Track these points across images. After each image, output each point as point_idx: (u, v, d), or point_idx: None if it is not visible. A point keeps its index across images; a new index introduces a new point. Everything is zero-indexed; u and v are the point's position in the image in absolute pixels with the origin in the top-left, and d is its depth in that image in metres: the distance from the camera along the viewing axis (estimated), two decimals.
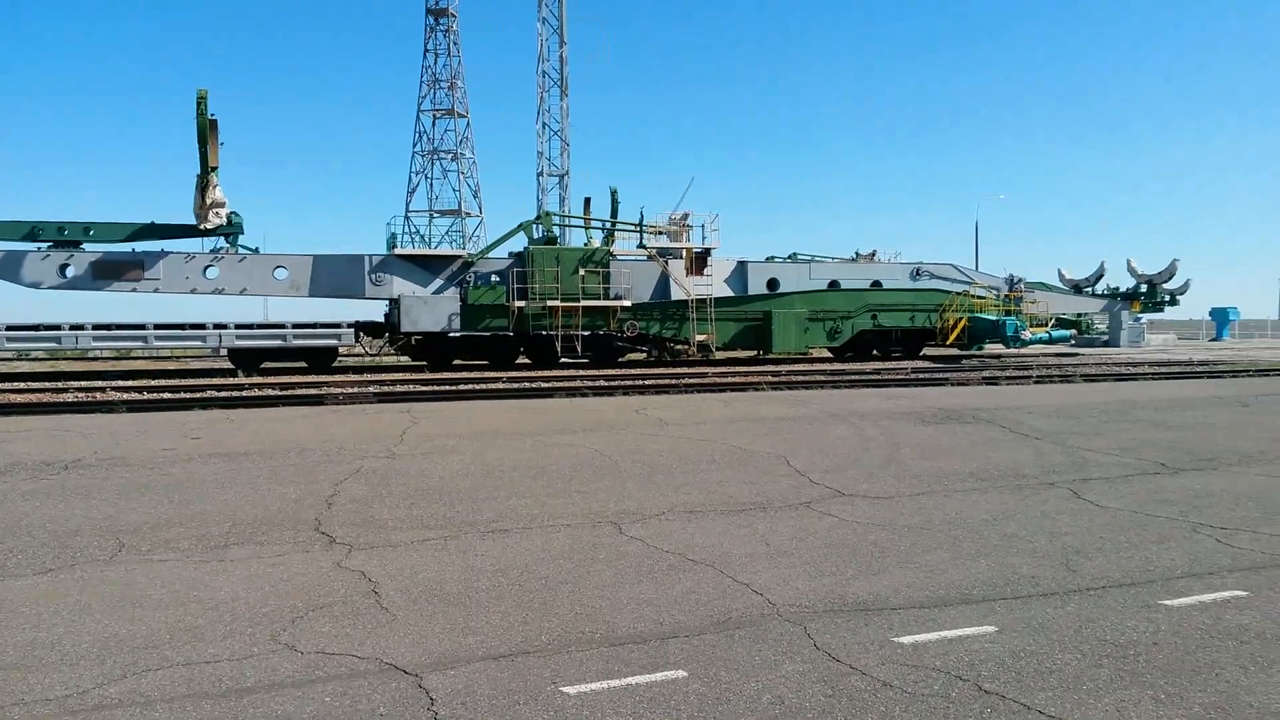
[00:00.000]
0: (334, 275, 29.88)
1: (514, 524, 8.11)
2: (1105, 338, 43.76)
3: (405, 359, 33.13)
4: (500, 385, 22.28)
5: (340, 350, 30.93)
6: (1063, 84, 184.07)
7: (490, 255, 31.78)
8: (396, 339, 31.12)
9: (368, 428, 14.58)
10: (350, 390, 20.15)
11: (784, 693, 4.46)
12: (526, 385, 22.19)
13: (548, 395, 20.43)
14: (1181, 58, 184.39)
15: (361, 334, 30.63)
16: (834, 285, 34.66)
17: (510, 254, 32.28)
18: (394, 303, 30.47)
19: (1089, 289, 42.17)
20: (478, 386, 21.86)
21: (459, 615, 5.66)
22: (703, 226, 33.33)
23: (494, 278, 30.99)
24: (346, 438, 13.41)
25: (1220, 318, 59.85)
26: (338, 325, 29.17)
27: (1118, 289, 42.33)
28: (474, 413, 16.84)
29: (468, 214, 64.62)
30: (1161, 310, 42.77)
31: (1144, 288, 41.82)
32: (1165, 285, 41.56)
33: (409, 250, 31.36)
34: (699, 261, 32.79)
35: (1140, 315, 43.32)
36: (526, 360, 32.44)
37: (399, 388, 21.48)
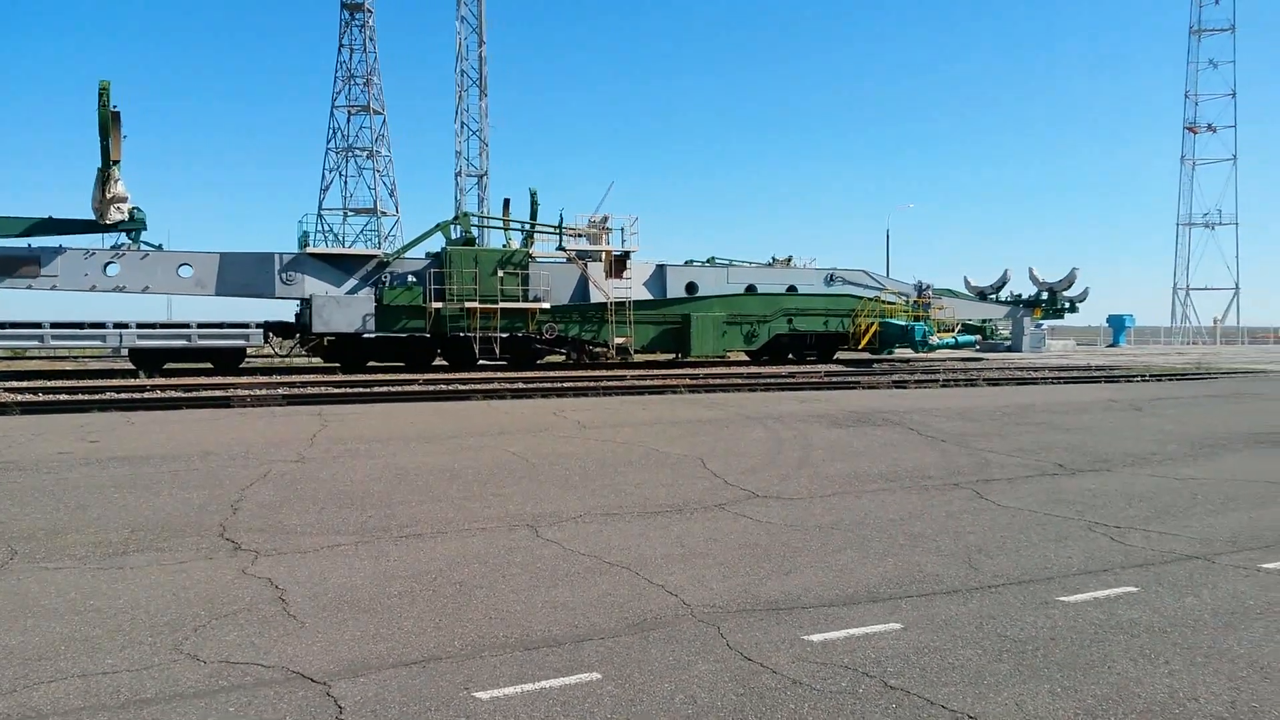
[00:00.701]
0: (242, 274, 29.05)
1: (428, 528, 8.01)
2: (1008, 343, 45.32)
3: (317, 361, 32.43)
4: (416, 387, 21.97)
5: (248, 351, 30.08)
6: (966, 95, 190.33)
7: (407, 255, 31.33)
8: (308, 340, 30.41)
9: (276, 431, 14.22)
10: (258, 392, 19.62)
11: (696, 692, 4.51)
12: (443, 387, 21.93)
13: (465, 398, 20.24)
14: (1079, 72, 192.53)
15: (271, 334, 29.85)
16: (751, 289, 35.13)
17: (427, 254, 31.88)
18: (305, 303, 29.78)
19: (993, 296, 43.63)
20: (393, 389, 21.50)
21: (370, 622, 5.56)
22: (622, 230, 33.49)
23: (410, 278, 30.55)
24: (254, 441, 13.06)
25: (1117, 324, 62.50)
26: (246, 325, 28.36)
27: (1020, 296, 43.89)
28: (388, 415, 16.57)
29: (383, 213, 63.63)
30: (1061, 317, 44.53)
31: (1045, 295, 43.45)
32: (1065, 293, 43.26)
33: (322, 249, 30.74)
34: (618, 264, 32.88)
35: (1041, 321, 44.99)
36: (443, 362, 32.05)
37: (310, 390, 20.98)
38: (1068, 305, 43.44)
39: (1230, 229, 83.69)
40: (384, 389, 21.38)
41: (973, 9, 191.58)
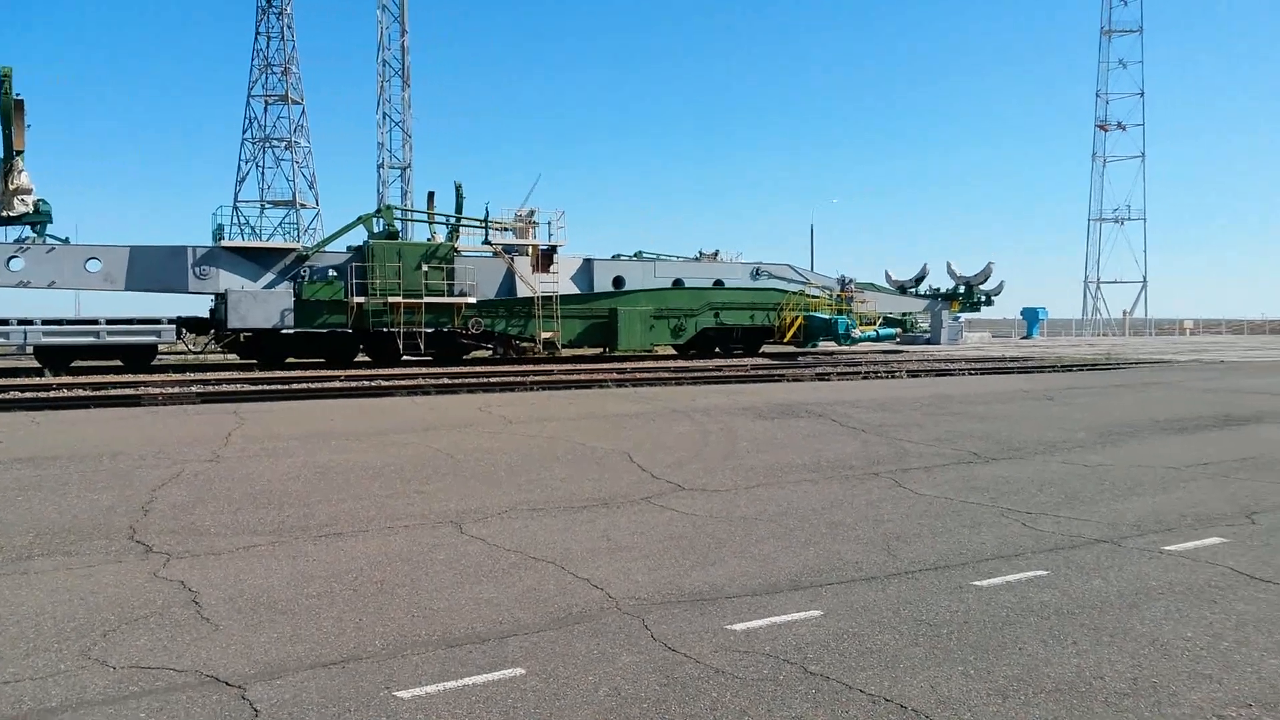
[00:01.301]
0: (153, 268, 28.16)
1: (349, 527, 7.87)
2: (927, 335, 46.42)
3: (233, 357, 31.61)
4: (337, 384, 21.56)
5: (160, 348, 29.16)
6: (886, 90, 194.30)
7: (327, 249, 30.71)
8: (223, 336, 29.64)
9: (190, 430, 13.81)
10: (171, 390, 19.04)
11: (620, 684, 4.52)
12: (366, 384, 21.57)
13: (388, 394, 19.93)
14: (995, 68, 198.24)
15: (184, 330, 29.00)
16: (678, 284, 35.32)
17: (349, 248, 31.26)
18: (220, 297, 28.97)
19: (913, 289, 44.65)
20: (312, 385, 21.07)
21: (287, 623, 5.44)
22: (549, 223, 33.36)
23: (331, 272, 29.95)
24: (166, 440, 12.66)
25: (1031, 317, 64.47)
26: (157, 321, 27.48)
27: (939, 290, 45.01)
28: (308, 412, 16.23)
29: (303, 205, 62.22)
30: (978, 310, 45.84)
31: (962, 289, 44.64)
32: (981, 286, 44.50)
33: (237, 242, 29.93)
34: (545, 259, 32.73)
35: (959, 314, 46.24)
36: (366, 358, 31.52)
37: (225, 387, 20.46)
38: (984, 298, 44.70)
39: (1139, 224, 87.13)
40: (303, 385, 20.95)
41: (892, 5, 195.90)
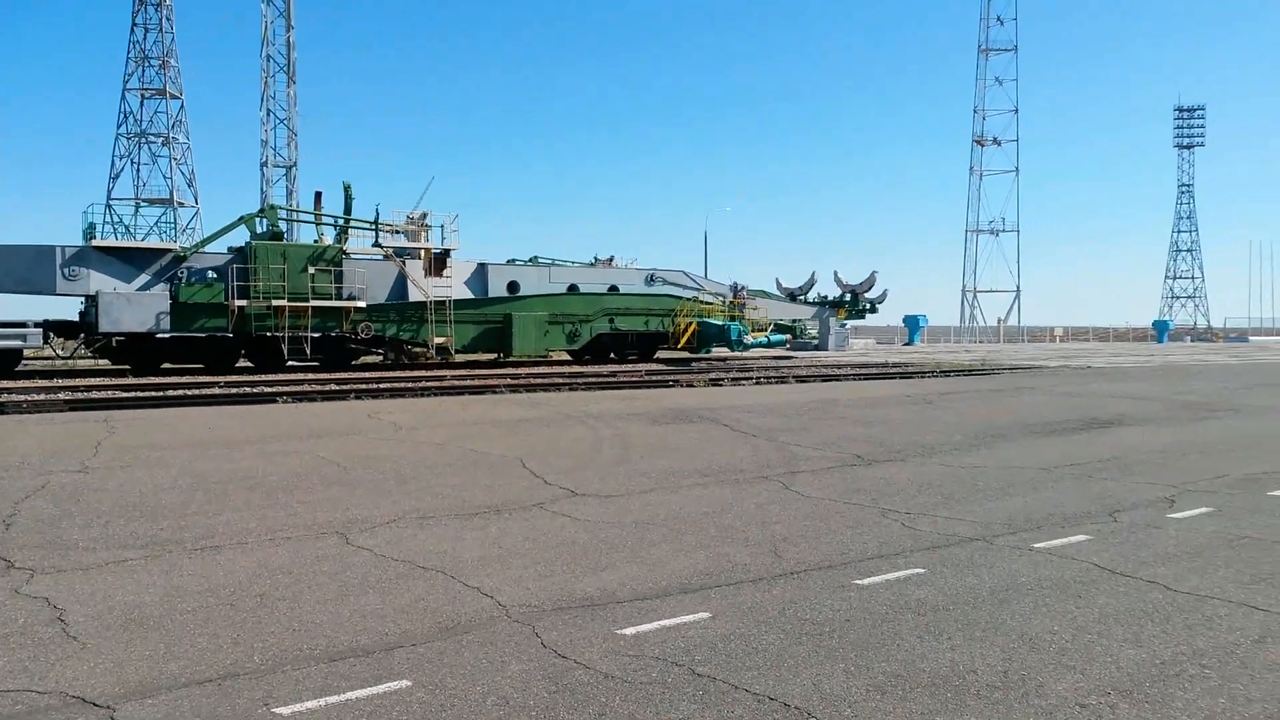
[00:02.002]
0: (17, 268, 26.61)
1: (227, 539, 7.59)
2: (816, 342, 47.63)
3: (105, 363, 30.10)
4: (217, 390, 20.76)
5: (26, 353, 27.54)
6: (769, 99, 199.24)
7: (206, 250, 29.61)
8: (94, 340, 28.20)
9: (57, 439, 13.09)
10: (37, 397, 18.03)
11: (509, 693, 4.49)
12: (248, 390, 20.84)
13: (271, 400, 19.30)
14: (878, 78, 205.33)
15: (52, 334, 27.49)
16: (573, 289, 35.31)
17: (230, 249, 30.20)
18: (91, 300, 27.57)
19: (802, 297, 45.80)
20: (189, 392, 20.23)
21: (160, 640, 5.22)
22: (442, 227, 32.90)
23: (211, 274, 28.86)
24: (30, 450, 11.97)
25: (912, 324, 66.89)
26: (22, 324, 25.97)
27: (827, 297, 46.32)
28: (185, 420, 15.58)
29: (181, 203, 59.83)
30: (863, 317, 47.37)
31: (848, 296, 46.05)
32: (866, 294, 45.98)
33: (110, 242, 28.50)
34: (438, 262, 32.26)
35: (845, 322, 47.61)
36: (249, 364, 30.45)
37: (96, 394, 19.46)
38: (868, 306, 46.20)
39: (1013, 235, 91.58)
40: (180, 392, 20.10)
41: (780, 15, 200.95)
